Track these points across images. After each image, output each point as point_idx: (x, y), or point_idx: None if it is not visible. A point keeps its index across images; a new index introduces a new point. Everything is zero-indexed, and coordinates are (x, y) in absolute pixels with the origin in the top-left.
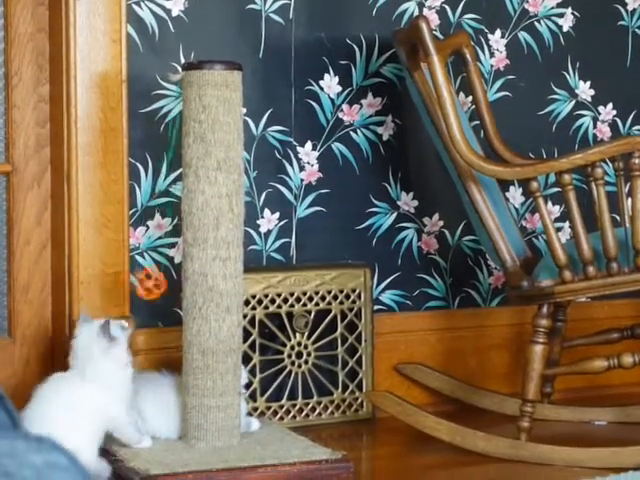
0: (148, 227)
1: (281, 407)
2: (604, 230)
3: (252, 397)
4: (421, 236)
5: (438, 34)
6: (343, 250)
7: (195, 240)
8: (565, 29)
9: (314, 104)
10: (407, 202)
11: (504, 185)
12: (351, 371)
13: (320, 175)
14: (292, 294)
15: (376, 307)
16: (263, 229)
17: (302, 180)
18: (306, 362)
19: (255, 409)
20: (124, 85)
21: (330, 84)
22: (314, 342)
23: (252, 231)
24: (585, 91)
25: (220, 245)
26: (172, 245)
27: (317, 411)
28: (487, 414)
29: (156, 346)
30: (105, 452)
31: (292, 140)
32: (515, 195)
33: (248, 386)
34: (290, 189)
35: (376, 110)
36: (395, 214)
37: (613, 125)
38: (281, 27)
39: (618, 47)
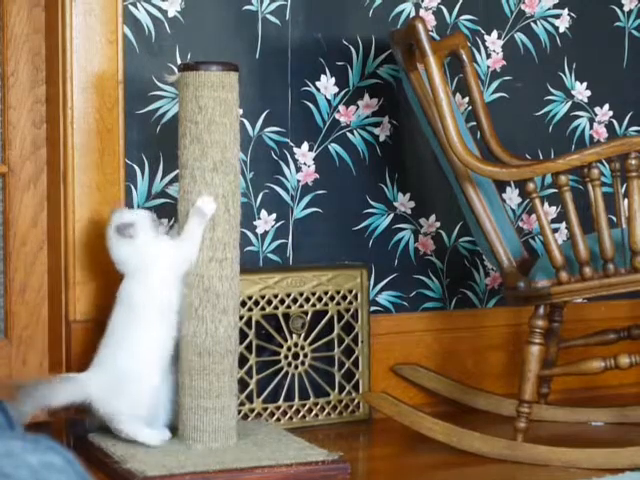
0: None
1: (278, 408)
2: (601, 231)
3: (249, 398)
4: (418, 237)
5: (434, 35)
6: (340, 251)
7: None
8: (561, 30)
9: (311, 105)
10: (404, 203)
11: (501, 186)
12: (348, 372)
13: (317, 176)
14: (289, 295)
15: (373, 308)
16: (260, 230)
17: (299, 181)
18: (303, 363)
19: (252, 410)
20: (120, 86)
21: (327, 85)
22: (311, 343)
23: (249, 232)
24: (581, 92)
25: (216, 246)
26: None
27: (314, 412)
28: (483, 415)
29: None
30: (102, 453)
31: (289, 141)
32: (512, 196)
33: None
34: (287, 190)
35: (373, 111)
36: (392, 215)
37: (609, 126)
38: (277, 28)
39: (614, 48)
